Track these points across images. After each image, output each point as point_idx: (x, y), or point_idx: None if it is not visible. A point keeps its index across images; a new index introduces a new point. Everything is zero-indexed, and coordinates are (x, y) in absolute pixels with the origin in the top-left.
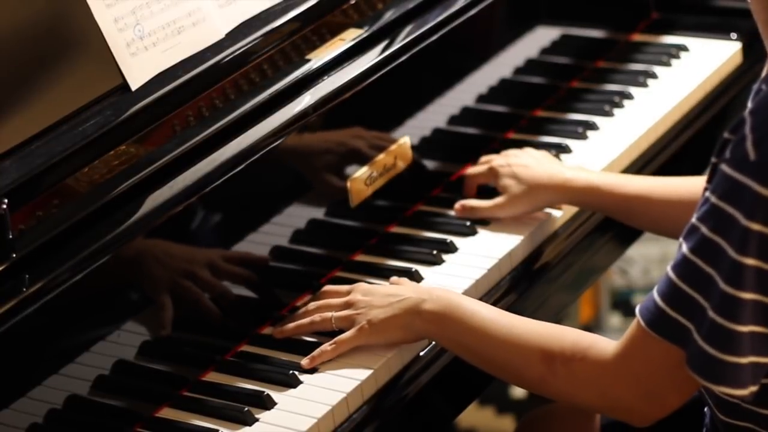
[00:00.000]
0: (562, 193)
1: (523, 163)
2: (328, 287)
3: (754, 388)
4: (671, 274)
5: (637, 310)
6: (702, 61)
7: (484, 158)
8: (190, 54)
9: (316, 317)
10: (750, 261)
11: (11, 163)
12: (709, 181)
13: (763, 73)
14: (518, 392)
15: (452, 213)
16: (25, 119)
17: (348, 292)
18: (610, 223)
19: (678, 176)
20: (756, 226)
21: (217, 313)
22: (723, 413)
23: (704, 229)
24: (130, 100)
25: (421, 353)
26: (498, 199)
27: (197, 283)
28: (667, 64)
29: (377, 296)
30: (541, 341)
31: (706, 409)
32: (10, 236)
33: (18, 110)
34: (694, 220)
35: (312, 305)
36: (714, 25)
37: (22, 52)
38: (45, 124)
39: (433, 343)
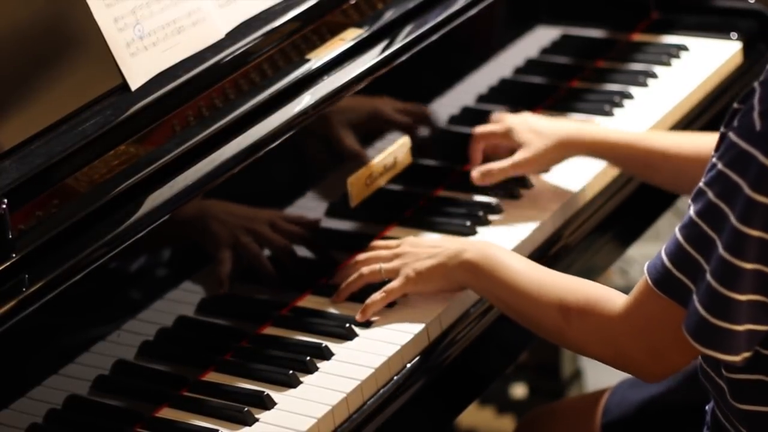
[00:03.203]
0: (593, 147)
1: (541, 119)
2: (377, 242)
3: (747, 354)
4: (678, 235)
5: (645, 266)
6: (702, 61)
7: (495, 117)
8: (190, 54)
9: (365, 270)
10: (754, 233)
11: (11, 163)
12: (716, 150)
13: None
14: (518, 392)
15: (451, 213)
16: (25, 119)
17: (397, 246)
18: (610, 223)
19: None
20: (761, 198)
21: (217, 314)
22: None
23: (710, 194)
24: (129, 100)
25: (421, 354)
26: (518, 155)
27: (197, 282)
28: (667, 64)
29: (423, 248)
30: (560, 294)
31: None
32: (10, 236)
33: (18, 110)
34: (701, 184)
35: (362, 256)
36: (714, 24)
37: (22, 52)
38: (45, 124)
39: (433, 342)
